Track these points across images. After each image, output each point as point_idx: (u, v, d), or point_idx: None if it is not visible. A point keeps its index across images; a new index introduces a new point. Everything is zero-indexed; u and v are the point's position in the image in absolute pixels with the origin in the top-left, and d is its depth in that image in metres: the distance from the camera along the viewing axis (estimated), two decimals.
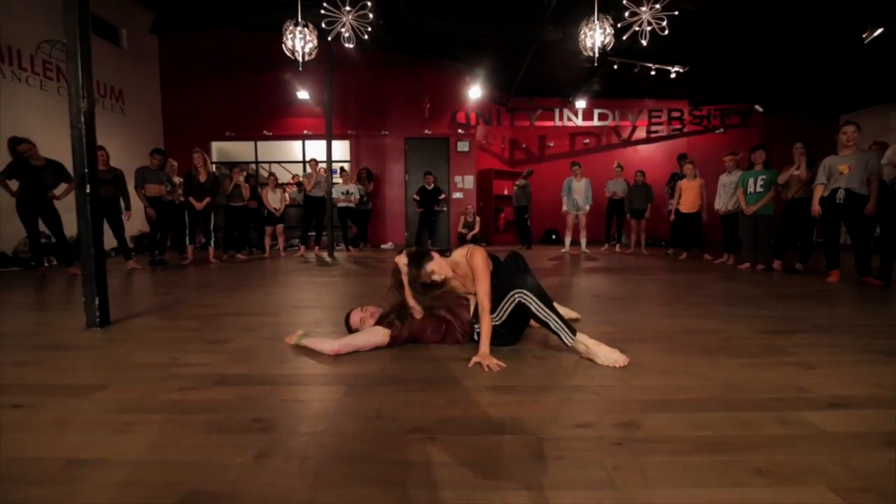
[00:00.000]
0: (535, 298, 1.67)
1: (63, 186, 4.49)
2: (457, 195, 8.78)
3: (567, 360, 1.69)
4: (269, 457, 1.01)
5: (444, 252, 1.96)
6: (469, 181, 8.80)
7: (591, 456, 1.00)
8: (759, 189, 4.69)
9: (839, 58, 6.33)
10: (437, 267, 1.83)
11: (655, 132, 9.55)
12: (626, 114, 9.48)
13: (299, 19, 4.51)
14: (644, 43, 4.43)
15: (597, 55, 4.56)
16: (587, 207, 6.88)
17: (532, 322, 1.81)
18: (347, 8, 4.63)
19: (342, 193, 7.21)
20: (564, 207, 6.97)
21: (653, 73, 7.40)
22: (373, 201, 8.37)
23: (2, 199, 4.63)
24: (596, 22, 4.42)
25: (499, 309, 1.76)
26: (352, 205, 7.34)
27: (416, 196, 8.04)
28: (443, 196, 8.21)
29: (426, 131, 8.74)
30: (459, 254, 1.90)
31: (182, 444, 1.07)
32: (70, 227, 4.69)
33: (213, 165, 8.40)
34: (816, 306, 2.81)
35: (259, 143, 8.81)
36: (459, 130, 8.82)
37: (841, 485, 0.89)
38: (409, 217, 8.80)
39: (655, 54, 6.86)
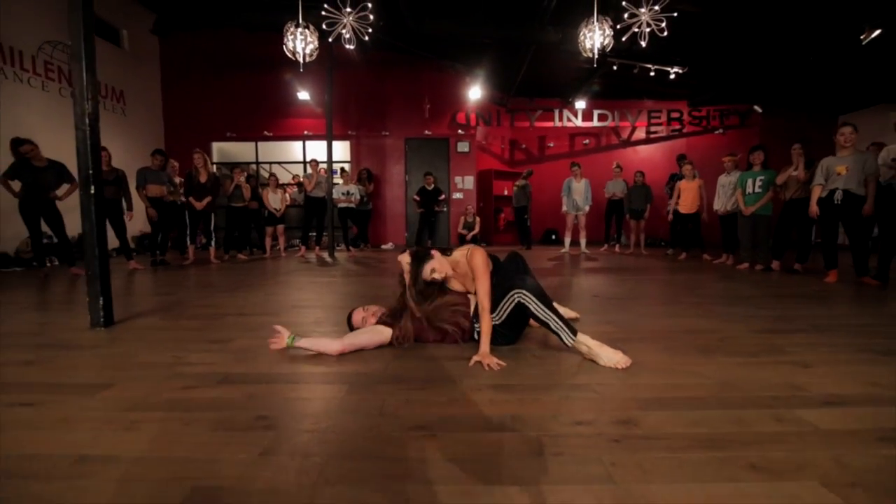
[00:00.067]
0: (534, 299, 1.68)
1: (65, 187, 4.51)
2: (457, 196, 8.80)
3: (566, 360, 1.71)
4: (273, 453, 1.03)
5: (445, 251, 1.98)
6: (469, 181, 8.82)
7: (589, 452, 1.02)
8: (757, 190, 4.71)
9: (837, 59, 6.35)
10: (438, 265, 1.85)
11: (655, 133, 9.58)
12: (626, 114, 9.51)
13: (300, 20, 4.53)
14: (643, 44, 4.45)
15: (596, 56, 4.58)
16: (587, 208, 6.90)
17: (532, 322, 1.82)
18: (348, 9, 4.65)
19: (343, 194, 7.23)
20: (564, 208, 6.99)
21: (652, 73, 7.43)
22: (373, 202, 8.40)
23: (4, 199, 4.65)
24: (595, 23, 4.45)
25: (498, 309, 1.77)
26: (352, 205, 7.36)
27: (416, 196, 8.06)
28: (443, 196, 8.24)
29: (426, 132, 8.77)
30: (460, 253, 1.92)
31: (188, 441, 1.09)
32: (71, 227, 4.73)
33: (214, 166, 8.42)
34: (814, 306, 2.83)
35: (259, 144, 8.83)
36: (459, 131, 8.84)
37: (833, 480, 0.91)
38: (410, 217, 8.83)
39: (655, 55, 6.88)
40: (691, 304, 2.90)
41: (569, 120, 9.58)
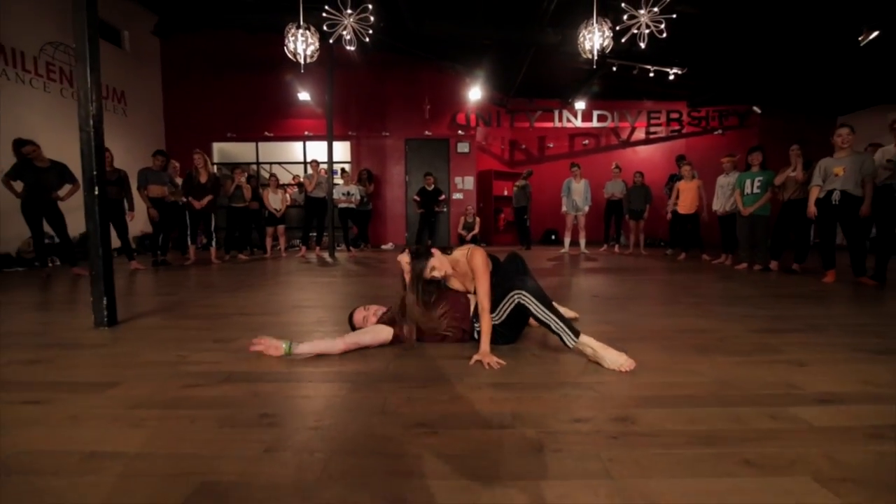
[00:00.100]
0: (534, 300, 1.69)
1: (67, 187, 4.54)
2: (457, 196, 8.83)
3: (565, 359, 1.73)
4: (278, 450, 1.05)
5: (445, 250, 2.00)
6: (469, 182, 8.85)
7: (588, 449, 1.05)
8: (755, 190, 4.74)
9: (836, 60, 6.38)
10: (439, 263, 1.87)
11: (654, 133, 9.61)
12: (625, 115, 9.54)
13: (301, 22, 4.56)
14: (642, 45, 4.48)
15: (595, 58, 4.61)
16: (586, 208, 6.93)
17: (531, 321, 1.84)
18: (349, 11, 4.68)
19: (343, 194, 7.26)
20: (564, 208, 7.02)
21: (651, 75, 7.46)
22: (373, 202, 8.42)
23: (5, 200, 4.68)
24: (594, 25, 4.47)
25: (499, 309, 1.80)
26: (352, 205, 7.38)
27: (416, 197, 8.09)
28: (443, 197, 8.26)
29: (426, 132, 8.79)
30: (460, 253, 1.95)
31: (194, 438, 1.11)
32: (73, 227, 4.75)
33: (215, 166, 8.44)
34: (811, 306, 2.86)
35: (260, 144, 8.86)
36: (459, 132, 8.87)
37: (825, 475, 0.93)
38: (410, 218, 8.85)
39: (654, 56, 6.91)
40: (690, 304, 2.92)
41: (568, 120, 9.61)
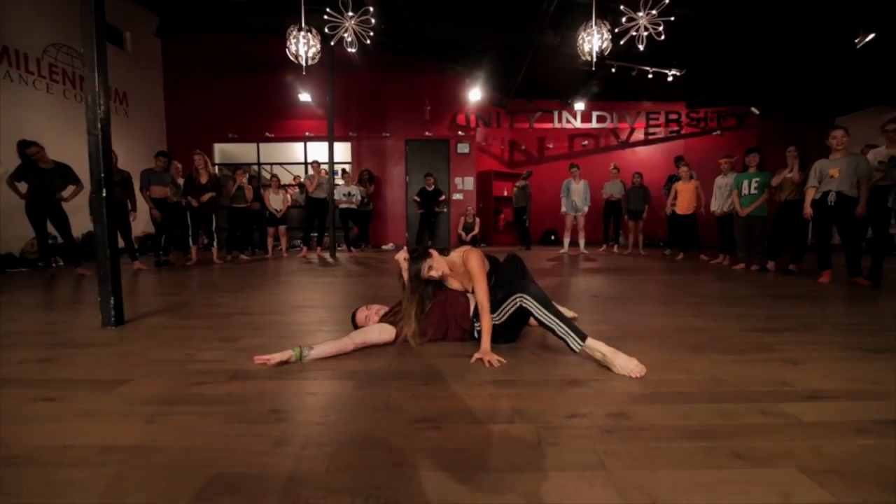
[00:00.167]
0: (536, 304, 1.69)
1: (71, 188, 4.58)
2: (457, 196, 8.87)
3: (563, 357, 1.77)
4: (287, 444, 1.09)
5: (443, 251, 2.04)
6: (469, 182, 8.89)
7: (583, 443, 1.09)
8: (753, 191, 4.78)
9: (833, 62, 6.43)
10: (436, 263, 1.91)
11: (653, 134, 9.65)
12: (625, 116, 9.58)
13: (303, 24, 4.60)
14: (641, 47, 4.52)
15: (594, 59, 4.65)
16: (586, 209, 6.98)
17: (531, 321, 1.88)
18: (350, 13, 4.72)
19: (344, 195, 7.30)
20: (563, 209, 7.06)
21: (650, 76, 7.50)
22: (374, 203, 8.47)
23: (9, 201, 4.72)
24: (594, 27, 4.51)
25: (500, 310, 1.83)
26: (353, 206, 7.43)
27: (416, 197, 8.14)
28: (443, 197, 8.31)
29: (427, 133, 8.84)
30: (457, 254, 1.99)
31: (206, 433, 1.15)
32: (76, 227, 4.79)
33: (216, 167, 8.48)
34: (807, 306, 2.90)
35: (261, 145, 8.90)
36: (459, 132, 8.91)
37: (810, 467, 0.98)
38: (410, 218, 8.89)
39: (653, 58, 6.95)
40: (687, 304, 2.97)
41: (568, 121, 9.65)
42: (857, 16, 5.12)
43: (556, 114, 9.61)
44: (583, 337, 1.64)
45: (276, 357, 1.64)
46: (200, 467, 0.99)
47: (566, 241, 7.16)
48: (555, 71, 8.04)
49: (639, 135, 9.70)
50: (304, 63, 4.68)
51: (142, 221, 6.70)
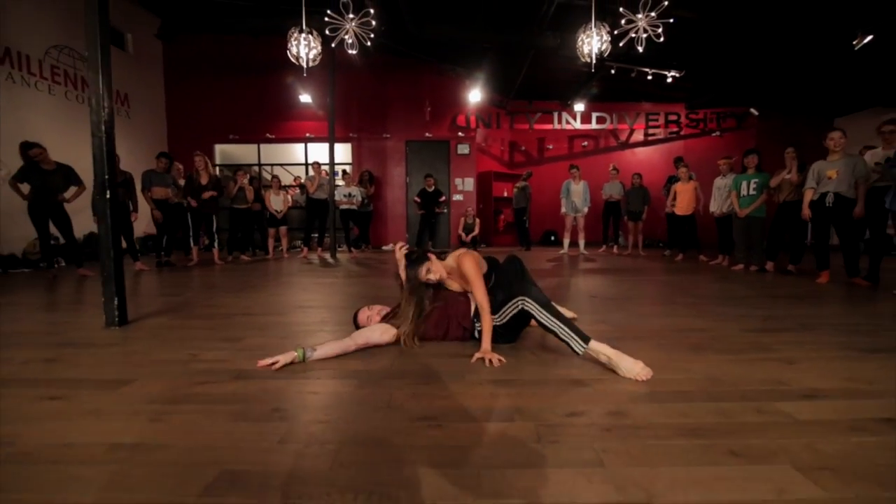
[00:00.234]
0: (539, 307, 1.70)
1: (73, 189, 4.60)
2: (457, 197, 8.89)
3: (564, 357, 1.79)
4: (291, 441, 1.11)
5: (441, 255, 2.07)
6: (469, 183, 8.91)
7: (582, 440, 1.11)
8: (751, 192, 4.81)
9: (831, 63, 6.46)
10: (434, 267, 1.94)
11: (653, 135, 9.68)
12: (624, 117, 9.61)
13: (304, 26, 4.62)
14: (640, 49, 4.55)
15: (594, 61, 4.67)
16: (585, 209, 7.00)
17: (532, 322, 1.90)
18: (351, 15, 4.74)
19: (344, 196, 7.32)
20: (563, 209, 7.08)
21: (649, 77, 7.52)
22: (374, 203, 8.49)
23: (10, 202, 4.74)
24: (593, 29, 4.54)
25: (501, 312, 1.84)
26: (354, 207, 7.45)
27: (416, 198, 8.17)
28: (443, 198, 8.33)
29: (427, 134, 8.86)
30: (452, 257, 2.02)
31: (211, 431, 1.17)
32: (78, 228, 4.81)
33: (217, 168, 8.50)
34: (805, 306, 2.92)
35: (262, 146, 8.92)
36: (459, 133, 8.94)
37: (804, 464, 1.00)
38: (410, 219, 8.91)
39: (652, 59, 6.97)
40: (686, 304, 2.99)
41: (567, 122, 9.68)
42: (855, 18, 5.15)
43: (555, 115, 9.64)
44: (586, 339, 1.63)
45: (281, 361, 1.65)
46: (206, 464, 1.01)
47: (566, 241, 7.18)
48: (554, 72, 8.07)
49: (638, 136, 9.72)
50: (305, 65, 4.71)
51: (143, 222, 6.72)
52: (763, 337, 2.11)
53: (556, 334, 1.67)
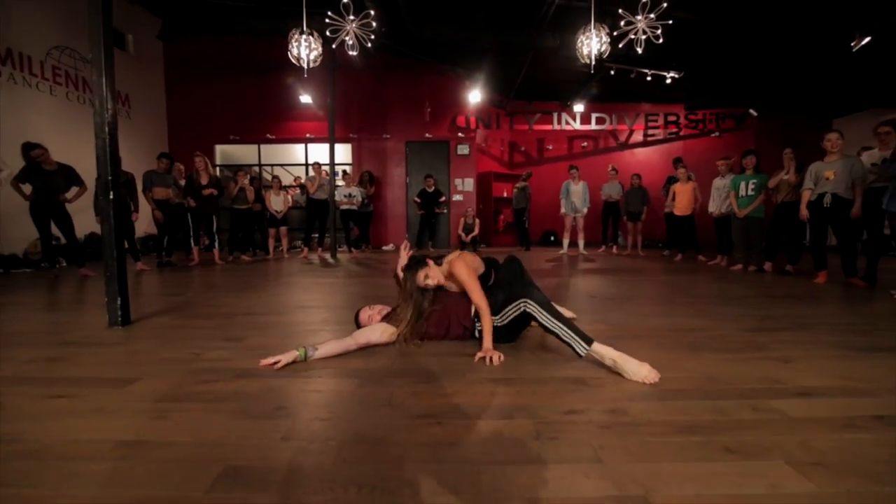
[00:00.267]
0: (541, 309, 1.71)
1: (74, 190, 4.62)
2: (457, 197, 8.92)
3: (563, 356, 1.81)
4: (294, 438, 1.13)
5: (438, 259, 2.10)
6: (469, 184, 8.93)
7: (580, 437, 1.13)
8: (750, 192, 4.83)
9: (830, 64, 6.48)
10: (431, 272, 1.98)
11: (652, 136, 9.70)
12: (624, 117, 9.63)
13: (305, 28, 4.64)
14: (639, 51, 4.57)
15: (593, 62, 4.69)
16: (585, 210, 7.02)
17: (533, 322, 1.93)
18: (351, 17, 4.76)
19: (344, 196, 7.35)
20: (563, 210, 7.11)
21: (649, 78, 7.55)
22: (374, 204, 8.51)
23: (12, 202, 4.76)
24: (592, 30, 4.56)
25: (503, 313, 1.86)
26: (354, 207, 7.47)
27: (416, 198, 8.19)
28: (443, 198, 8.36)
29: (427, 135, 8.88)
30: (446, 262, 2.06)
31: (215, 428, 1.19)
32: (79, 229, 4.83)
33: (217, 168, 8.53)
34: (802, 306, 2.94)
35: (262, 146, 8.94)
36: (459, 134, 8.97)
37: (797, 460, 1.02)
38: (410, 219, 8.94)
39: (651, 60, 7.00)
40: (684, 304, 3.01)
41: (567, 123, 9.70)
42: (853, 19, 5.17)
43: (555, 115, 9.66)
44: (588, 341, 1.62)
45: (283, 360, 1.66)
46: (212, 460, 1.03)
47: (565, 241, 7.20)
48: (554, 73, 8.09)
49: (638, 136, 9.75)
50: (305, 66, 4.73)
51: (144, 222, 6.73)
52: (760, 336, 2.13)
53: (557, 336, 1.67)
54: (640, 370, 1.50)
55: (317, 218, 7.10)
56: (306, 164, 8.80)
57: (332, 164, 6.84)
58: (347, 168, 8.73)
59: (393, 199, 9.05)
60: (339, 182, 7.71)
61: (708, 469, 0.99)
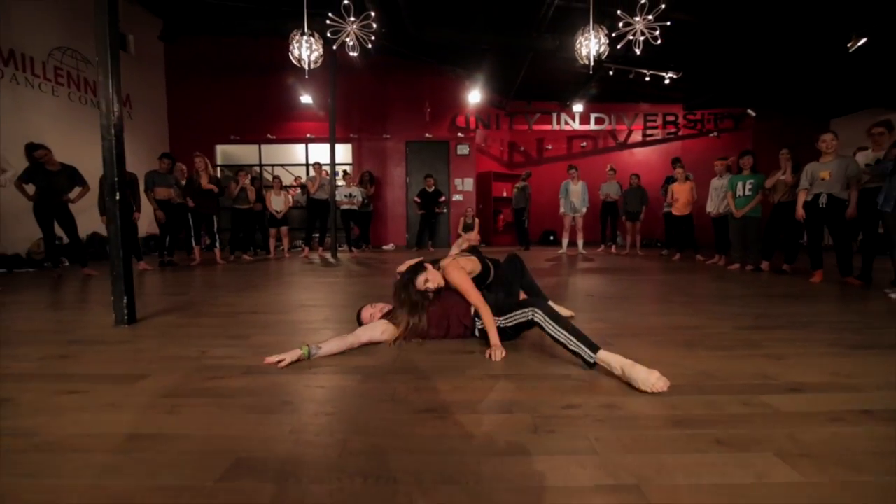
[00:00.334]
0: (549, 320, 1.71)
1: (77, 190, 4.65)
2: (457, 197, 8.96)
3: (561, 354, 1.85)
4: (301, 432, 1.17)
5: (436, 263, 2.14)
6: (469, 183, 8.98)
7: (577, 430, 1.17)
8: (747, 192, 4.87)
9: (827, 65, 6.53)
10: (431, 276, 2.03)
11: (651, 136, 9.75)
12: (622, 117, 9.67)
13: (306, 29, 4.68)
14: (638, 52, 4.61)
15: (592, 63, 4.73)
16: (584, 209, 7.06)
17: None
18: (352, 18, 4.80)
19: (345, 196, 7.38)
20: (562, 209, 7.15)
21: (647, 78, 7.59)
22: (374, 203, 8.55)
23: (15, 202, 4.79)
24: (591, 32, 4.60)
25: (509, 316, 1.87)
26: (354, 207, 7.51)
27: (416, 198, 8.23)
28: (443, 198, 8.40)
29: (427, 135, 8.92)
30: (442, 266, 2.11)
31: (225, 422, 1.23)
32: (82, 229, 4.87)
33: (218, 168, 8.56)
34: (798, 304, 2.99)
35: (263, 147, 8.98)
36: (459, 134, 9.01)
37: (785, 451, 1.06)
38: (410, 219, 8.98)
39: (650, 61, 7.04)
40: (682, 303, 3.05)
41: (566, 123, 9.74)
42: (850, 20, 5.21)
43: (554, 115, 9.70)
44: (595, 349, 1.60)
45: (287, 359, 1.69)
46: (223, 452, 1.07)
47: (565, 241, 7.24)
48: (553, 73, 8.13)
49: (636, 136, 9.79)
50: (306, 67, 4.77)
51: (145, 222, 6.78)
52: (755, 334, 2.18)
53: (565, 346, 1.65)
54: (648, 378, 1.43)
55: (317, 218, 7.14)
56: (307, 164, 8.84)
57: (333, 164, 6.88)
58: (348, 168, 8.76)
59: (393, 199, 9.09)
60: (340, 182, 7.75)
61: (698, 460, 1.03)
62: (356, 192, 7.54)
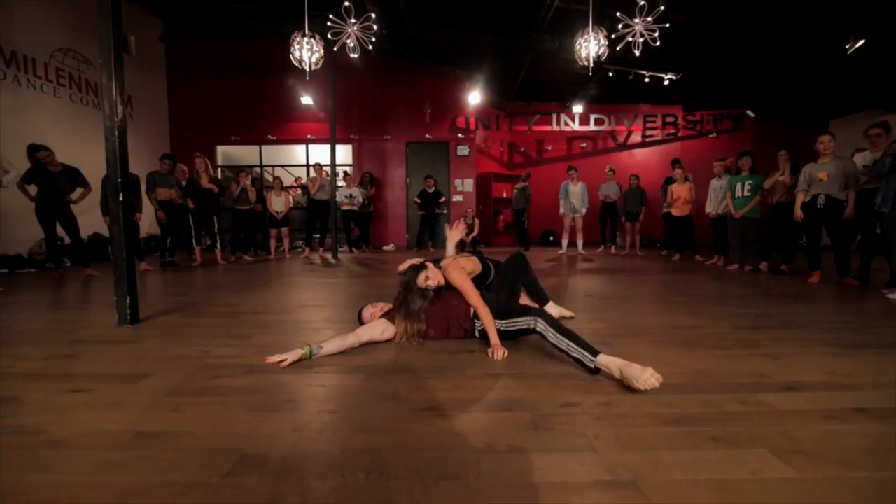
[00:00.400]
0: (551, 329, 1.72)
1: (79, 191, 4.67)
2: (457, 198, 8.98)
3: (559, 354, 1.87)
4: (304, 429, 1.19)
5: (437, 262, 2.17)
6: (469, 184, 8.99)
7: (576, 428, 1.19)
8: (746, 193, 4.89)
9: (826, 66, 6.55)
10: (432, 274, 2.05)
11: (650, 136, 9.77)
12: (622, 118, 9.69)
13: (306, 31, 4.70)
14: (637, 53, 4.63)
15: (591, 65, 4.75)
16: (584, 210, 7.08)
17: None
18: (352, 20, 4.82)
19: (345, 197, 7.40)
20: (562, 210, 7.17)
21: (647, 80, 7.61)
22: (375, 204, 8.57)
23: (17, 203, 4.81)
24: (590, 33, 4.62)
25: (511, 321, 1.89)
26: (355, 208, 7.53)
27: (417, 199, 8.25)
28: (443, 199, 8.42)
29: (427, 136, 8.94)
30: (442, 266, 2.12)
31: (228, 420, 1.25)
32: (84, 229, 4.89)
33: (219, 169, 8.58)
34: (796, 304, 3.00)
35: (263, 147, 9.00)
36: (459, 135, 9.03)
37: (780, 448, 1.08)
38: (411, 219, 9.00)
39: (649, 62, 7.06)
40: (681, 303, 3.07)
41: (566, 124, 9.75)
42: (849, 22, 5.24)
43: (554, 116, 9.72)
44: (594, 353, 1.60)
45: (289, 359, 1.71)
46: (227, 449, 1.09)
47: (564, 241, 7.26)
48: (553, 74, 8.15)
49: (636, 137, 9.81)
50: (307, 68, 4.79)
51: (146, 223, 6.79)
52: (752, 334, 2.20)
53: (567, 353, 1.66)
54: (642, 375, 1.45)
55: (318, 218, 7.16)
56: (307, 165, 8.86)
57: (333, 164, 6.90)
58: (348, 169, 8.78)
59: (393, 200, 9.11)
60: (340, 183, 7.77)
61: (694, 456, 1.05)
62: (356, 192, 7.56)
